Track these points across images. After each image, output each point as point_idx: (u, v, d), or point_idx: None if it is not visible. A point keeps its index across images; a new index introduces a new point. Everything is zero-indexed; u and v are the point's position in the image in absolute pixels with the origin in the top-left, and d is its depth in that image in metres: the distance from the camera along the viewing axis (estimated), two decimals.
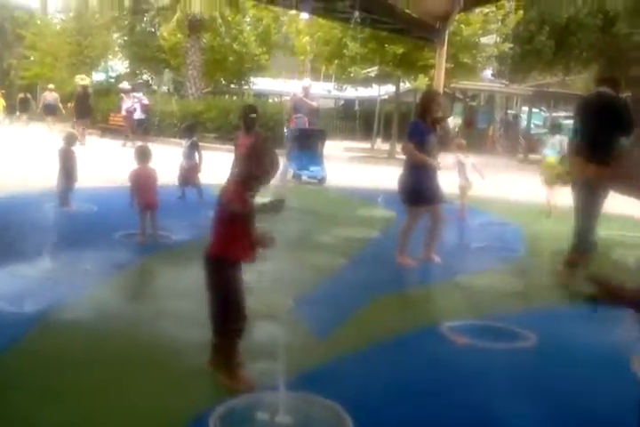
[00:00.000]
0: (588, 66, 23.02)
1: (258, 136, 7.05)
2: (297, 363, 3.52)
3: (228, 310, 3.11)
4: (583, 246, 5.46)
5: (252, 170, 3.11)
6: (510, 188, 11.09)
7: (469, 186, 8.66)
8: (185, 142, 9.08)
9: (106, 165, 11.52)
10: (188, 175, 8.66)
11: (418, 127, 5.88)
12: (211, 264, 3.15)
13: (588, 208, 5.43)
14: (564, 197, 11.22)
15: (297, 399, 2.98)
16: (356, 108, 34.40)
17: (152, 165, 6.32)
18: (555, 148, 9.98)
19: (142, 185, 6.13)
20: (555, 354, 3.84)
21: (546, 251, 6.97)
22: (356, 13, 10.47)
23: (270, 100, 25.18)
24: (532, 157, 23.03)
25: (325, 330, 4.03)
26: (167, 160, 8.93)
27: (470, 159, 8.81)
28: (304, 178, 11.87)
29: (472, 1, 12.58)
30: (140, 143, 6.49)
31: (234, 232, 3.10)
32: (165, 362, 3.44)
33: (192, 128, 9.92)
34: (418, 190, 5.77)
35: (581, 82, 29.97)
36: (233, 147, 7.18)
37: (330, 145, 18.03)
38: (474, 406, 3.14)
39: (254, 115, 7.14)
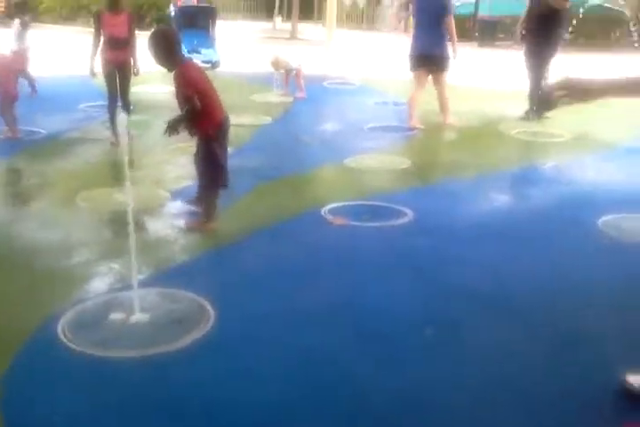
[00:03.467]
0: None
1: (130, 16, 6.31)
2: (167, 257, 3.39)
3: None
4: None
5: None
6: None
7: None
8: (16, 22, 7.70)
9: None
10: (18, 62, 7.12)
11: None
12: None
13: None
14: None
15: (156, 295, 2.86)
16: None
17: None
18: None
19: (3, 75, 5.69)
20: (430, 229, 3.87)
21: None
22: None
23: None
24: None
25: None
26: None
27: None
28: (196, 62, 11.09)
29: None
30: None
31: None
32: (22, 265, 3.22)
33: (23, 4, 8.62)
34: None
35: None
36: (94, 29, 6.27)
37: (225, 25, 16.84)
38: (350, 285, 3.12)
39: None
